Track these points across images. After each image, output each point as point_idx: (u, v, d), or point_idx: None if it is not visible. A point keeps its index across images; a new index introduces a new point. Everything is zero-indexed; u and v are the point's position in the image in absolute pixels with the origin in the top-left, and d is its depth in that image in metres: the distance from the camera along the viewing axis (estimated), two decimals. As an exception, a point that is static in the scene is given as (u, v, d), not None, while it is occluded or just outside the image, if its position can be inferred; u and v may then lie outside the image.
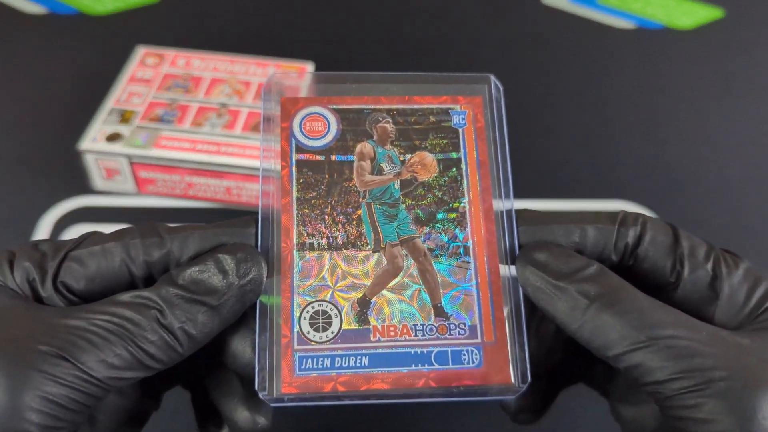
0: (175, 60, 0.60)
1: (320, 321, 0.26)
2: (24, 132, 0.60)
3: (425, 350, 0.26)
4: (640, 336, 0.21)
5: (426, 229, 0.27)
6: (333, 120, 0.28)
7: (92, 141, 0.52)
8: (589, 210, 0.26)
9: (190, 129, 0.54)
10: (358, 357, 0.25)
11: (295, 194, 0.27)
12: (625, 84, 0.71)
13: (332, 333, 0.26)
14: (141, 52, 0.61)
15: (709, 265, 0.25)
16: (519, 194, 0.58)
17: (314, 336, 0.25)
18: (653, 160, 0.62)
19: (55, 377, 0.19)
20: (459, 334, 0.26)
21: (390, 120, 0.28)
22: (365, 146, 0.28)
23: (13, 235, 0.52)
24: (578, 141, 0.64)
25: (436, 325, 0.26)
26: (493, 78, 0.29)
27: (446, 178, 0.28)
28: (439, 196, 0.28)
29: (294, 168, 0.28)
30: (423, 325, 0.26)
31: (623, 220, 0.25)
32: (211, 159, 0.51)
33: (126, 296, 0.22)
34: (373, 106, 0.29)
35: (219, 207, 0.55)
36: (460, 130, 0.29)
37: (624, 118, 0.67)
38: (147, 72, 0.59)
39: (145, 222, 0.24)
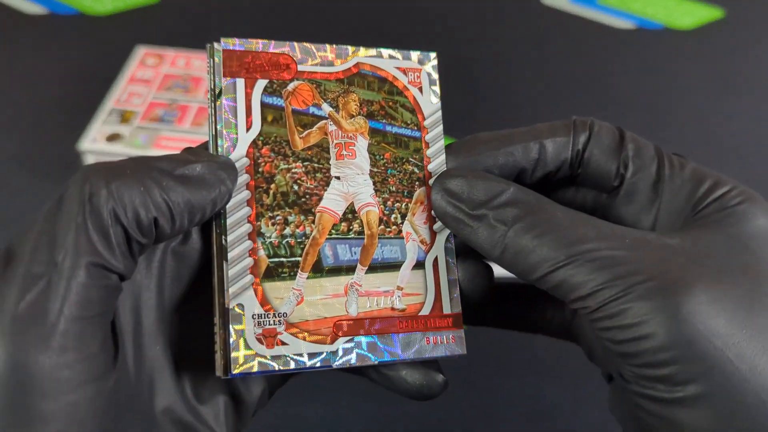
0: (175, 60, 0.60)
1: None
2: (24, 132, 0.60)
3: None
4: (560, 255, 0.20)
5: None
6: None
7: (92, 141, 0.52)
8: (544, 124, 0.25)
9: (190, 129, 0.54)
10: None
11: None
12: (625, 84, 0.71)
13: None
14: (141, 52, 0.61)
15: (653, 167, 0.23)
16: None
17: None
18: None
19: None
20: None
21: None
22: None
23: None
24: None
25: None
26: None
27: None
28: None
29: None
30: None
31: (576, 126, 0.24)
32: (211, 159, 0.51)
33: None
34: None
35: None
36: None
37: (624, 118, 0.67)
38: (147, 72, 0.59)
39: None
